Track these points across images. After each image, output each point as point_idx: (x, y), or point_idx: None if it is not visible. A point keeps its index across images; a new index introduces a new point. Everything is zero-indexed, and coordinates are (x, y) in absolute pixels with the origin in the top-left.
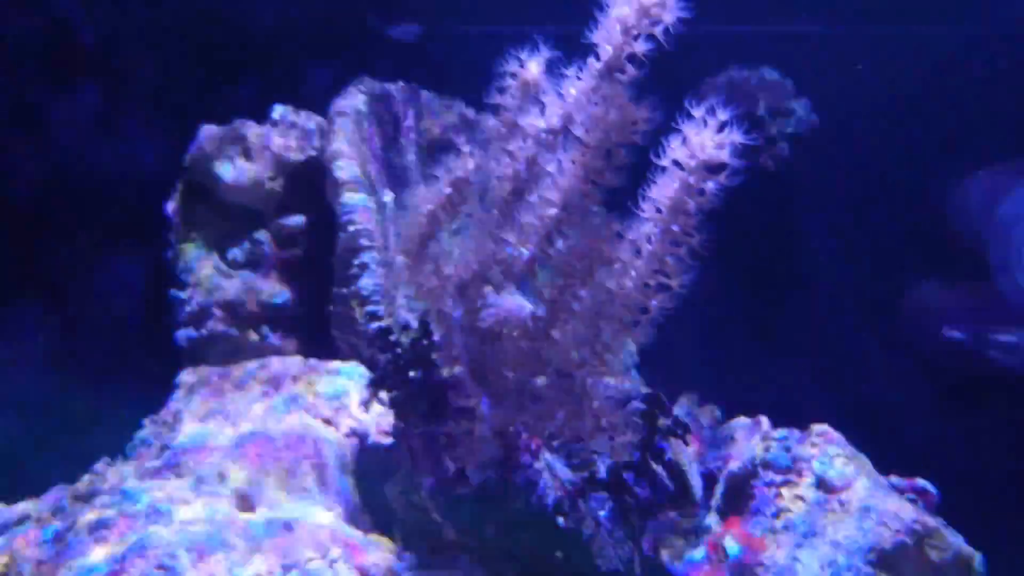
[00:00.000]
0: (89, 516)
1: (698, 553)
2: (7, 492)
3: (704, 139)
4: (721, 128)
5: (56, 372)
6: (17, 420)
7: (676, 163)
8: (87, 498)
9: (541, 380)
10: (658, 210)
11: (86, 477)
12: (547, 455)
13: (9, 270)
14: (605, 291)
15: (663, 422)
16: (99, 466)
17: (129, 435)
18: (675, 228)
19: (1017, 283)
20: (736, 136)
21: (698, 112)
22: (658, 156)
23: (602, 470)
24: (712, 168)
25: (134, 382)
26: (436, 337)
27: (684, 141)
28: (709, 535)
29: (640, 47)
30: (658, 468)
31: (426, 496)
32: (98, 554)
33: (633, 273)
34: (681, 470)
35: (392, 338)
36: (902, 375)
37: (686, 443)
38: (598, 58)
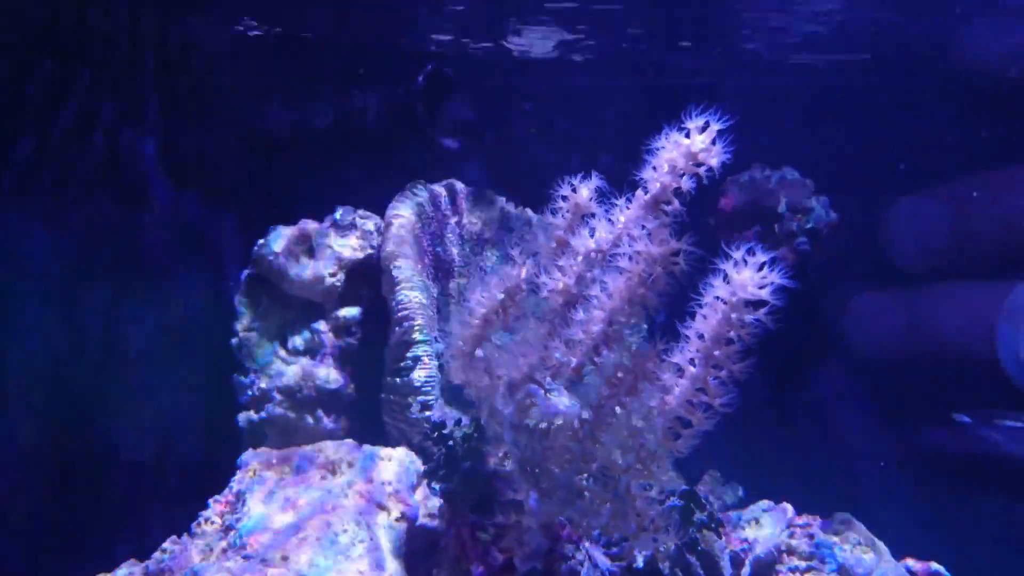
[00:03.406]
0: None
1: None
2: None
3: (745, 278)
4: (760, 268)
5: None
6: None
7: (718, 298)
8: (157, 575)
9: (586, 478)
10: (700, 337)
11: (155, 555)
12: (587, 545)
13: None
14: (649, 406)
15: (698, 516)
16: (167, 544)
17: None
18: (717, 354)
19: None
20: (775, 277)
21: (737, 253)
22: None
23: (639, 560)
24: (752, 304)
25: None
26: (487, 433)
27: (725, 278)
28: None
29: (685, 184)
30: (692, 559)
31: None
32: None
33: (677, 391)
34: (714, 560)
35: (446, 431)
36: (913, 459)
37: (718, 536)
38: (646, 191)
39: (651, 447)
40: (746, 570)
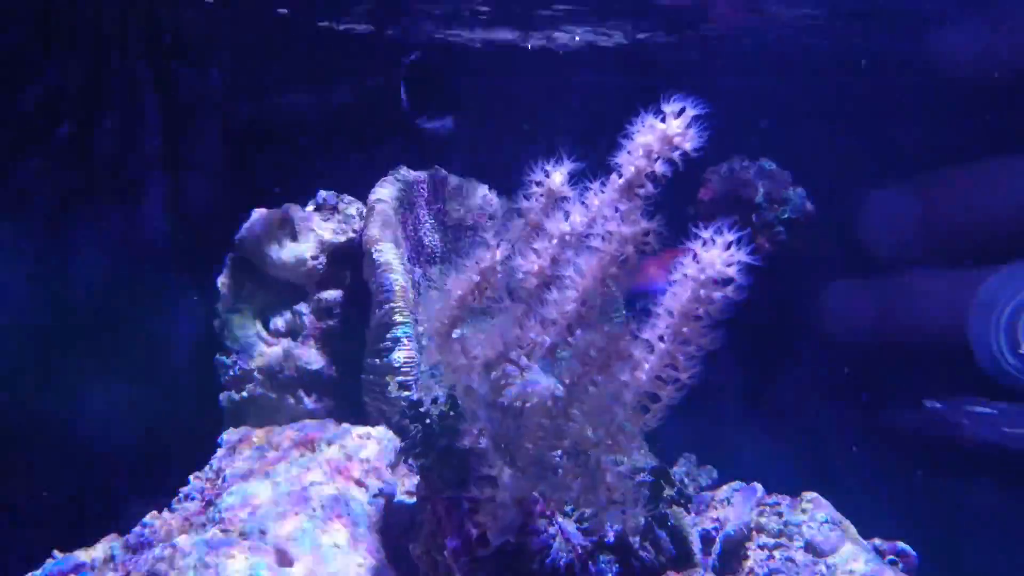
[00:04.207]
0: (141, 567)
1: None
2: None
3: (713, 257)
4: (728, 247)
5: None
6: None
7: (687, 276)
8: (137, 549)
9: (559, 454)
10: (670, 314)
11: (136, 530)
12: (560, 520)
13: None
14: (620, 382)
15: (668, 492)
16: (147, 519)
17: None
18: (686, 331)
19: (994, 360)
20: (742, 255)
21: (706, 233)
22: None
23: (610, 535)
24: (720, 282)
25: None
26: (463, 411)
27: (695, 257)
28: None
29: (660, 169)
30: (661, 533)
31: (449, 556)
32: None
33: (646, 367)
34: (683, 535)
35: (423, 409)
36: (882, 443)
37: (687, 511)
38: (620, 175)
39: (621, 422)
40: (716, 547)
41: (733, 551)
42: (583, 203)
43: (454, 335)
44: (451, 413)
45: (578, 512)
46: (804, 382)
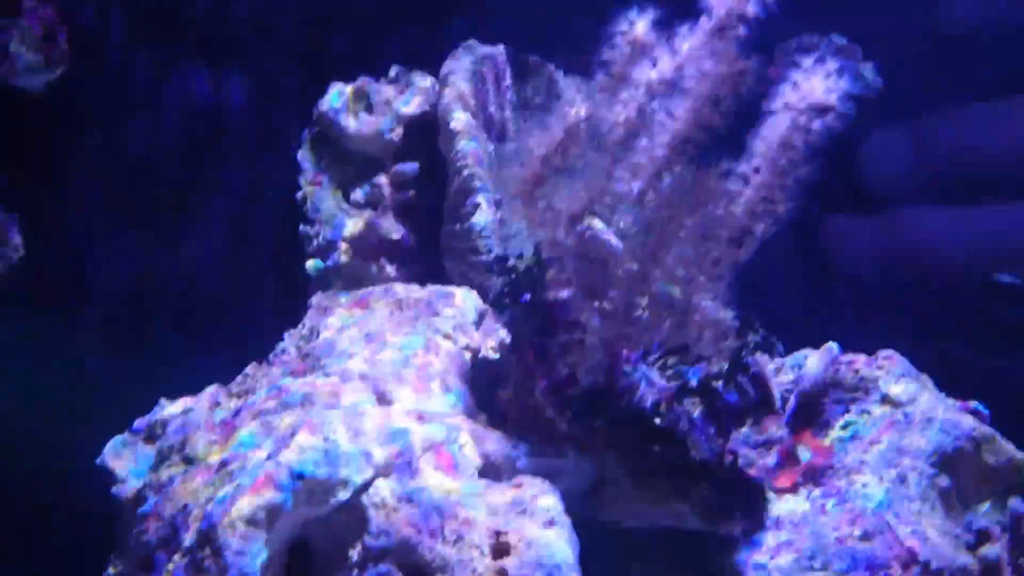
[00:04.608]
0: (249, 405)
1: (771, 459)
2: None
3: (814, 84)
4: (828, 76)
5: None
6: None
7: (786, 105)
8: (240, 395)
9: (646, 299)
10: (767, 145)
11: (238, 378)
12: (644, 366)
13: None
14: (714, 218)
15: (753, 338)
16: (248, 369)
17: None
18: (783, 162)
19: None
20: (844, 83)
21: (807, 61)
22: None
23: (694, 380)
24: (819, 110)
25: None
26: (549, 263)
27: (795, 86)
28: (780, 445)
29: (751, 10)
30: (744, 379)
31: (540, 395)
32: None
33: (742, 200)
34: (765, 382)
35: (509, 264)
36: (954, 313)
37: (772, 357)
38: (710, 16)
39: (714, 258)
40: (791, 402)
41: (808, 406)
42: (671, 49)
43: (538, 193)
44: (537, 266)
45: (662, 358)
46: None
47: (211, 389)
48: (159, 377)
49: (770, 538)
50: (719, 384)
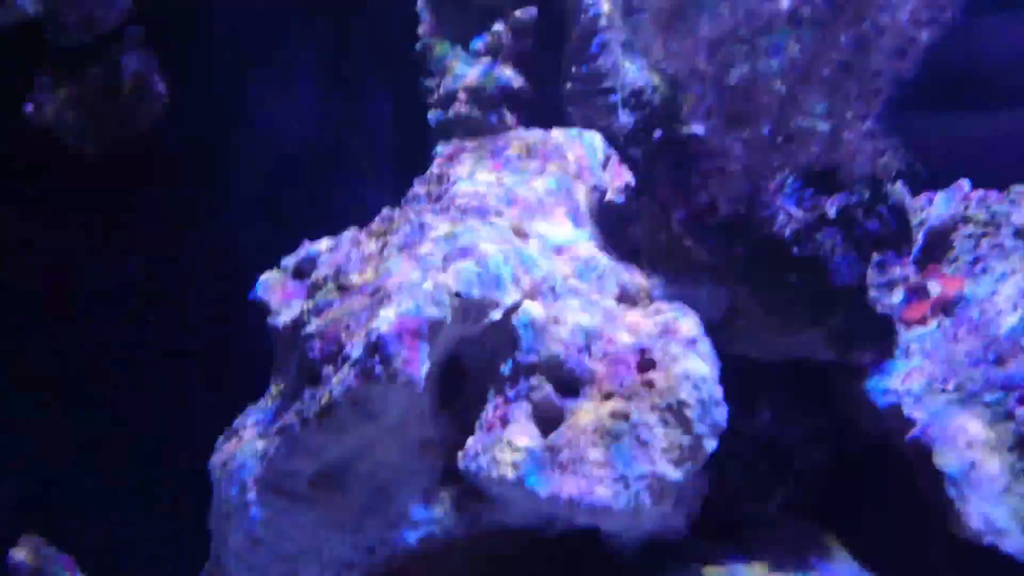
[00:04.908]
0: (394, 240)
1: (896, 296)
2: None
3: None
4: None
5: None
6: None
7: None
8: (380, 234)
9: (795, 122)
10: None
11: (375, 220)
12: (783, 197)
13: None
14: (876, 28)
15: (895, 166)
16: (385, 211)
17: None
18: None
19: None
20: None
21: None
22: None
23: (832, 211)
24: None
25: None
26: (686, 95)
27: None
28: (908, 282)
29: None
30: (883, 209)
31: (677, 225)
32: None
33: (907, 6)
34: (903, 211)
35: (644, 98)
36: None
37: (911, 192)
38: None
39: (874, 66)
40: (919, 238)
41: (937, 242)
42: None
43: (675, 24)
44: (675, 98)
45: (798, 194)
46: None
47: (350, 231)
48: (295, 223)
49: (900, 365)
50: (859, 212)
